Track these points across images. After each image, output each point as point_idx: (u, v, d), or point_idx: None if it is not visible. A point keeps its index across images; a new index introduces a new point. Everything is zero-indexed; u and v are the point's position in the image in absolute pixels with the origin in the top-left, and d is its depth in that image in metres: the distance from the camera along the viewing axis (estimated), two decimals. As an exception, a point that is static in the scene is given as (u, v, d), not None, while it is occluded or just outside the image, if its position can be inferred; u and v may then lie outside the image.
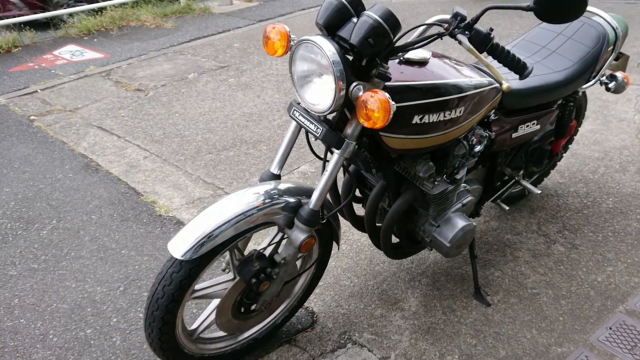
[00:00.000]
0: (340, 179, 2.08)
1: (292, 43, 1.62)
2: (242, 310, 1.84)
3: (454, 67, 1.79)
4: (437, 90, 1.65)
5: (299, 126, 1.74)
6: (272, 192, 1.67)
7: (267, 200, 1.64)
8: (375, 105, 1.39)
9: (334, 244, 2.01)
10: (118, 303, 2.30)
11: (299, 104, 1.69)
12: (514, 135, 2.13)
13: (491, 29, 1.49)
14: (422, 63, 1.70)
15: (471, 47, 1.46)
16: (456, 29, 1.47)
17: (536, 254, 2.52)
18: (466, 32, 1.47)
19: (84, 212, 2.90)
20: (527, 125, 2.15)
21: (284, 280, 1.79)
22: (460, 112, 1.73)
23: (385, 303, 2.26)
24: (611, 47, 2.36)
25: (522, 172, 2.43)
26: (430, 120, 1.66)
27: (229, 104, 4.17)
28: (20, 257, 2.58)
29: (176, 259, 1.57)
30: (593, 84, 2.37)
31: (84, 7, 6.37)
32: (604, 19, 2.35)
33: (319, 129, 1.59)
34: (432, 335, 2.11)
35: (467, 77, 1.76)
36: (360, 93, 1.45)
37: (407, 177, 1.90)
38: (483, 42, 1.47)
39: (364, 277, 2.40)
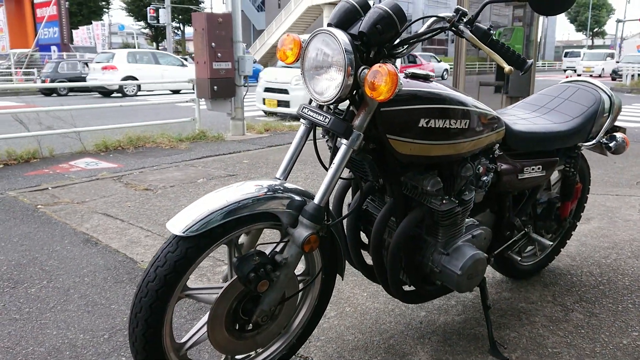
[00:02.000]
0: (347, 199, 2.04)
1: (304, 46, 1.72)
2: (237, 327, 1.68)
3: (457, 91, 1.88)
4: (442, 98, 1.71)
5: (307, 131, 1.78)
6: (276, 187, 1.65)
7: (270, 193, 1.61)
8: (383, 77, 1.44)
9: (337, 276, 1.91)
10: (100, 348, 2.10)
11: (309, 103, 1.74)
12: (520, 176, 2.13)
13: (491, 26, 1.60)
14: (426, 78, 1.79)
15: (473, 36, 1.56)
16: (458, 22, 1.58)
17: (554, 320, 2.35)
18: (467, 26, 1.58)
19: (76, 275, 2.79)
20: (532, 169, 2.17)
21: (284, 289, 1.67)
22: (464, 124, 1.77)
23: (392, 356, 2.06)
24: (607, 114, 2.47)
25: (531, 226, 2.38)
26: (436, 126, 1.69)
27: (235, 200, 4.22)
28: (2, 309, 2.42)
29: (173, 237, 1.49)
30: (593, 144, 2.43)
31: (103, 127, 6.78)
32: (599, 87, 2.50)
33: (327, 118, 1.62)
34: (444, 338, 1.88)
35: (468, 99, 1.83)
36: (366, 71, 1.51)
37: (414, 197, 1.87)
38: (483, 37, 1.57)
39: (369, 334, 2.22)
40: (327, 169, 1.80)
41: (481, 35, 1.58)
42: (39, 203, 4.15)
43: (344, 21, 1.61)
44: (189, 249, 1.49)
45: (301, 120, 1.78)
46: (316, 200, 1.62)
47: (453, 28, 1.62)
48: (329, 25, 1.64)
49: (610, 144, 2.43)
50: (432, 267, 1.92)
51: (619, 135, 2.45)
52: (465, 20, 1.59)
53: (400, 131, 1.65)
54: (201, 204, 1.53)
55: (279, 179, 1.77)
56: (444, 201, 1.83)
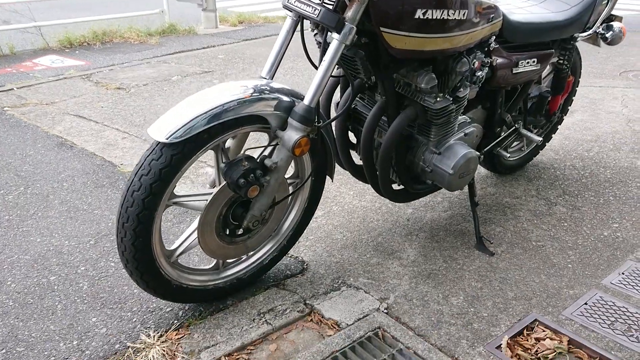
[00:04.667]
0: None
1: None
2: (228, 232, 1.66)
3: None
4: None
5: (294, 24, 1.64)
6: (263, 87, 1.54)
7: (256, 94, 1.50)
8: None
9: (327, 178, 1.87)
10: (87, 254, 2.08)
11: None
12: (514, 71, 2.04)
13: None
14: None
15: None
16: None
17: (537, 214, 2.39)
18: None
19: (54, 180, 2.70)
20: (528, 62, 2.08)
21: (274, 193, 1.62)
22: (462, 15, 1.64)
23: (381, 253, 2.08)
24: (605, 1, 2.34)
25: (521, 122, 2.34)
26: (433, 17, 1.57)
27: (213, 99, 4.06)
28: (-19, 217, 2.36)
29: (156, 143, 1.40)
30: (590, 34, 2.33)
31: (65, 21, 6.33)
32: None
33: (316, 10, 1.48)
34: (434, 280, 1.93)
35: None
36: None
37: (407, 95, 1.78)
38: None
39: (357, 232, 2.23)
40: (316, 67, 1.69)
41: None
42: (6, 105, 3.93)
43: None
44: (174, 156, 1.41)
45: (286, 12, 1.63)
46: (306, 100, 1.53)
47: None
48: None
49: (607, 35, 2.33)
50: (423, 166, 1.89)
51: (616, 24, 2.34)
52: None
53: (394, 23, 1.53)
54: (184, 108, 1.43)
55: (265, 78, 1.65)
56: (438, 99, 1.75)
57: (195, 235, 1.63)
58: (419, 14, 1.54)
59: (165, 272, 1.57)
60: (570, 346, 1.63)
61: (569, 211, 2.41)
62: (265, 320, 1.70)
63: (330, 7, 1.49)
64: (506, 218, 2.35)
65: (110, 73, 4.88)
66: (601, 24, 2.34)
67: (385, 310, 1.76)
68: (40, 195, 2.55)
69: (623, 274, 1.97)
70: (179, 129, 1.38)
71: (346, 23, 1.47)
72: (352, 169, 2.07)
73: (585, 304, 1.80)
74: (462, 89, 1.81)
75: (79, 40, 6.15)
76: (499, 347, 1.61)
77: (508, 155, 2.38)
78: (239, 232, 1.69)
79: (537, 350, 1.61)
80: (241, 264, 1.82)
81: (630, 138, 3.26)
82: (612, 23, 2.34)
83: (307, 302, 1.80)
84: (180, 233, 2.10)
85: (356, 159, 2.06)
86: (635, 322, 1.72)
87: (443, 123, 1.82)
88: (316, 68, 1.72)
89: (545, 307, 1.79)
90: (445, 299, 1.82)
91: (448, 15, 1.60)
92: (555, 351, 1.61)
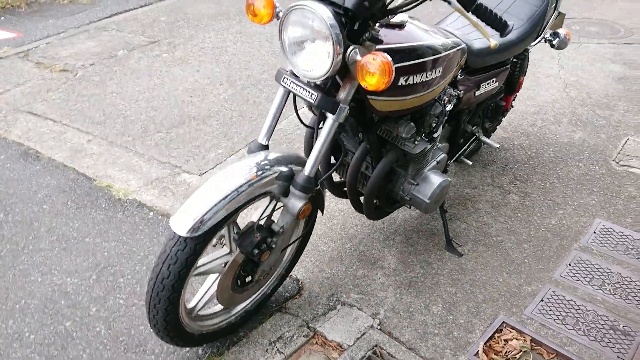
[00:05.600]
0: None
1: (277, 9, 1.60)
2: (239, 283, 1.84)
3: (425, 30, 1.86)
4: (418, 52, 1.71)
5: (286, 95, 1.74)
6: (263, 163, 1.66)
7: (260, 172, 1.63)
8: (378, 67, 1.42)
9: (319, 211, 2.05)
10: (94, 292, 2.21)
11: (288, 71, 1.68)
12: (477, 93, 2.24)
13: None
14: (400, 26, 1.75)
15: (460, 7, 1.52)
16: None
17: (495, 205, 2.69)
18: None
19: (33, 202, 2.72)
20: (488, 83, 2.27)
21: (281, 249, 1.80)
22: (438, 72, 1.80)
23: (365, 263, 2.33)
24: (554, 5, 2.52)
25: (480, 128, 2.57)
26: (414, 82, 1.72)
27: (168, 81, 4.01)
28: (-29, 256, 2.39)
29: (180, 236, 1.54)
30: (539, 42, 2.53)
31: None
32: None
33: (314, 95, 1.59)
34: (415, 288, 2.21)
35: (437, 38, 1.83)
36: (358, 57, 1.47)
37: (389, 139, 1.95)
38: (469, 1, 1.53)
39: (340, 241, 2.46)
40: (304, 124, 1.83)
41: (466, 0, 1.53)
42: (-53, 102, 3.74)
43: None
44: (198, 245, 1.55)
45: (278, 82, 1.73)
46: (306, 171, 1.67)
47: None
48: None
49: (554, 42, 2.54)
50: (402, 195, 2.10)
51: (561, 31, 2.54)
52: None
53: (380, 92, 1.66)
54: (199, 199, 1.54)
55: (263, 144, 1.77)
56: (416, 142, 1.93)
57: (211, 290, 1.80)
58: (401, 81, 1.69)
59: (188, 327, 1.76)
60: (533, 344, 1.99)
61: (521, 199, 2.73)
62: (277, 350, 1.94)
63: (324, 88, 1.60)
64: (468, 212, 2.64)
65: (49, 48, 4.64)
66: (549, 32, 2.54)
67: (379, 327, 2.04)
68: (24, 224, 2.58)
69: (570, 265, 2.32)
70: (199, 223, 1.50)
71: (341, 105, 1.59)
72: (331, 186, 2.26)
73: (542, 300, 2.15)
74: (436, 129, 1.99)
75: (1, 3, 5.69)
76: (476, 353, 1.94)
77: (471, 163, 2.62)
78: (249, 280, 1.87)
79: (506, 352, 1.96)
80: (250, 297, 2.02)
81: (568, 107, 3.58)
82: (558, 30, 2.54)
83: (310, 325, 2.05)
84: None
85: (335, 177, 2.25)
86: (582, 316, 2.08)
87: (419, 160, 2.02)
88: (305, 125, 1.87)
89: (510, 307, 2.12)
90: (427, 308, 2.12)
91: (427, 76, 1.75)
92: (521, 350, 1.96)
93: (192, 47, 4.63)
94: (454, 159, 2.45)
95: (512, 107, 2.95)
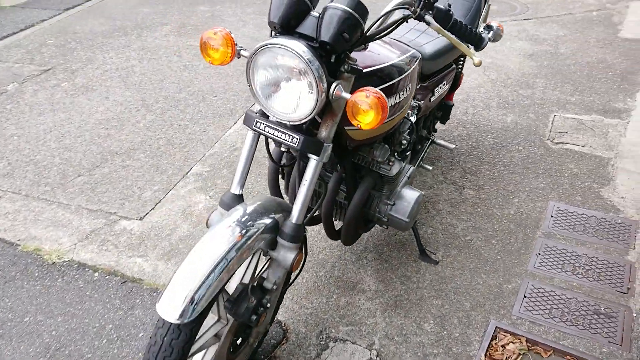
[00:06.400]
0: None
1: (238, 48, 1.43)
2: (231, 349, 1.66)
3: (386, 46, 1.77)
4: (389, 73, 1.62)
5: (256, 138, 1.57)
6: (244, 219, 1.47)
7: (244, 231, 1.45)
8: (372, 105, 1.29)
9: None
10: (51, 383, 1.91)
11: (257, 112, 1.51)
12: (432, 98, 2.19)
13: (449, 5, 1.47)
14: (364, 47, 1.64)
15: (439, 27, 1.44)
16: (421, 10, 1.43)
17: (453, 203, 2.68)
18: (430, 12, 1.43)
19: (-53, 285, 2.32)
20: (440, 87, 2.23)
21: (275, 305, 1.64)
22: (408, 89, 1.72)
23: (345, 290, 2.23)
24: (484, 3, 2.53)
25: (434, 132, 2.54)
26: (390, 104, 1.62)
27: (76, 113, 3.62)
28: None
29: (172, 323, 1.33)
30: (476, 36, 2.52)
31: None
32: None
33: (295, 139, 1.44)
34: (402, 307, 2.14)
35: (398, 54, 1.75)
36: (345, 94, 1.34)
37: (363, 164, 1.85)
38: (445, 19, 1.45)
39: (312, 270, 2.33)
40: (274, 161, 1.69)
41: (443, 17, 1.45)
42: None
43: (291, 18, 1.34)
44: (193, 328, 1.35)
45: (246, 127, 1.55)
46: (293, 219, 1.52)
47: (417, 17, 1.45)
48: (271, 23, 1.35)
49: (490, 35, 2.54)
50: (379, 217, 2.01)
51: (494, 24, 2.54)
52: (425, 4, 1.42)
53: None
54: (185, 277, 1.34)
55: (237, 194, 1.59)
56: (391, 164, 1.84)
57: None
58: (379, 106, 1.58)
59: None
60: (529, 345, 1.99)
61: (477, 193, 2.75)
62: (279, 407, 1.79)
63: (303, 129, 1.45)
64: (430, 215, 2.61)
65: None
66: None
67: (378, 358, 1.95)
68: (-58, 313, 2.20)
69: (539, 254, 2.37)
70: (189, 307, 1.30)
71: (325, 144, 1.45)
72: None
73: (525, 297, 2.17)
74: (407, 147, 1.91)
75: None
76: (480, 367, 1.91)
77: (430, 168, 2.58)
78: (240, 342, 1.70)
79: (507, 358, 1.94)
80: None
81: (492, 91, 3.67)
82: (491, 24, 2.54)
83: (306, 371, 1.91)
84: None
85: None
86: (565, 305, 2.12)
87: (395, 180, 1.93)
88: (274, 162, 1.72)
89: (498, 310, 2.12)
90: (420, 327, 2.06)
91: (399, 97, 1.66)
92: (520, 353, 1.96)
93: (93, 71, 4.22)
94: (415, 166, 2.39)
95: (453, 103, 2.96)
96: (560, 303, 2.13)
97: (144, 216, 2.68)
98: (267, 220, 1.52)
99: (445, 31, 1.46)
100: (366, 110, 1.31)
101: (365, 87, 1.32)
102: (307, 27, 1.35)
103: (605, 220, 2.53)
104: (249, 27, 5.04)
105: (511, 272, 2.28)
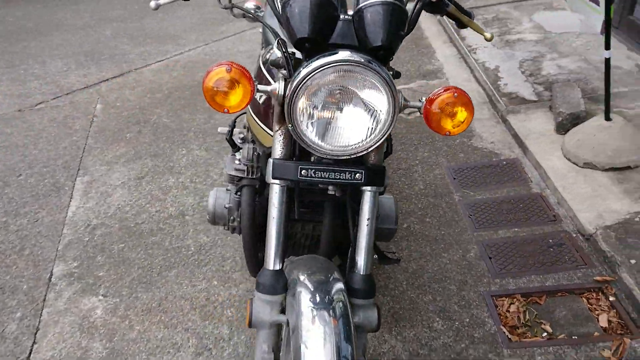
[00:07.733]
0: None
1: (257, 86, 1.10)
2: None
3: None
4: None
5: (287, 192, 1.23)
6: (318, 299, 1.15)
7: (332, 312, 1.13)
8: (462, 103, 1.11)
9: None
10: None
11: (287, 159, 1.19)
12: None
13: None
14: None
15: (455, 7, 1.32)
16: None
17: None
18: None
19: None
20: None
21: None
22: None
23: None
24: None
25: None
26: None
27: None
28: None
29: None
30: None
31: None
32: None
33: (358, 173, 1.17)
34: (403, 319, 1.99)
35: None
36: (410, 102, 1.14)
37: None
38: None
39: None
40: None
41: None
42: None
43: (323, 27, 1.08)
44: None
45: (275, 181, 1.19)
46: (361, 270, 1.26)
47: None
48: (299, 41, 1.06)
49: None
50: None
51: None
52: None
53: None
54: None
55: (277, 269, 1.23)
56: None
57: None
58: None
59: None
60: (524, 299, 2.05)
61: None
62: None
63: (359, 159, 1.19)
64: (358, 217, 2.49)
65: None
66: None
67: (419, 381, 1.78)
68: None
69: (471, 216, 2.46)
70: None
71: (385, 168, 1.21)
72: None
73: (490, 258, 2.22)
74: (387, 153, 1.75)
75: None
76: (509, 340, 1.89)
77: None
78: None
79: (519, 319, 1.97)
80: None
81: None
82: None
83: None
84: None
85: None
86: (522, 251, 2.25)
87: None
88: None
89: (480, 279, 2.13)
90: (432, 329, 1.94)
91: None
92: (522, 310, 2.00)
93: None
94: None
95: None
96: (516, 252, 2.24)
97: (29, 356, 1.95)
98: (337, 285, 1.21)
99: (459, 12, 1.35)
100: (455, 112, 1.12)
101: (444, 87, 1.13)
102: (344, 35, 1.10)
103: (493, 165, 2.76)
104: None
105: (462, 240, 2.32)
